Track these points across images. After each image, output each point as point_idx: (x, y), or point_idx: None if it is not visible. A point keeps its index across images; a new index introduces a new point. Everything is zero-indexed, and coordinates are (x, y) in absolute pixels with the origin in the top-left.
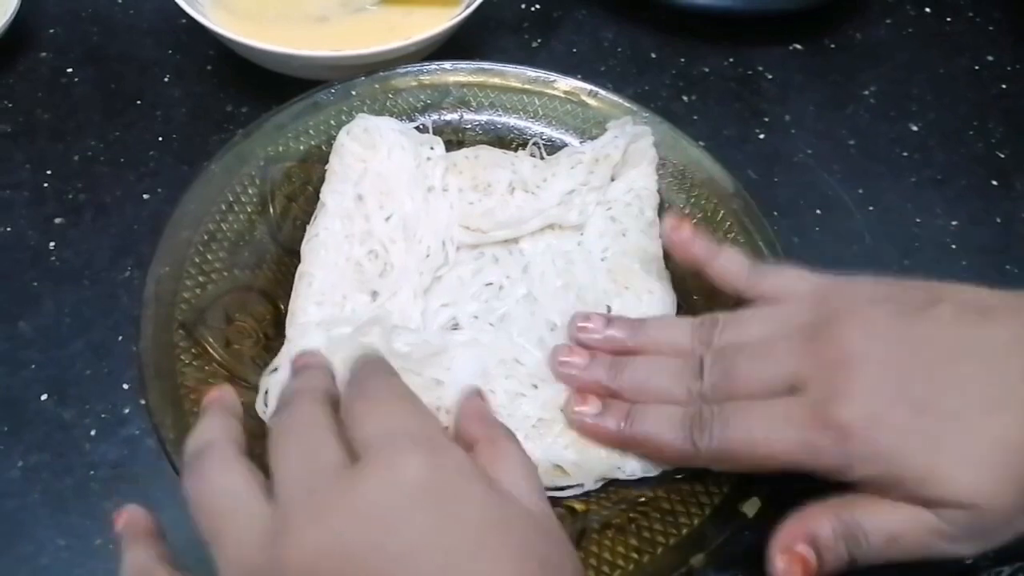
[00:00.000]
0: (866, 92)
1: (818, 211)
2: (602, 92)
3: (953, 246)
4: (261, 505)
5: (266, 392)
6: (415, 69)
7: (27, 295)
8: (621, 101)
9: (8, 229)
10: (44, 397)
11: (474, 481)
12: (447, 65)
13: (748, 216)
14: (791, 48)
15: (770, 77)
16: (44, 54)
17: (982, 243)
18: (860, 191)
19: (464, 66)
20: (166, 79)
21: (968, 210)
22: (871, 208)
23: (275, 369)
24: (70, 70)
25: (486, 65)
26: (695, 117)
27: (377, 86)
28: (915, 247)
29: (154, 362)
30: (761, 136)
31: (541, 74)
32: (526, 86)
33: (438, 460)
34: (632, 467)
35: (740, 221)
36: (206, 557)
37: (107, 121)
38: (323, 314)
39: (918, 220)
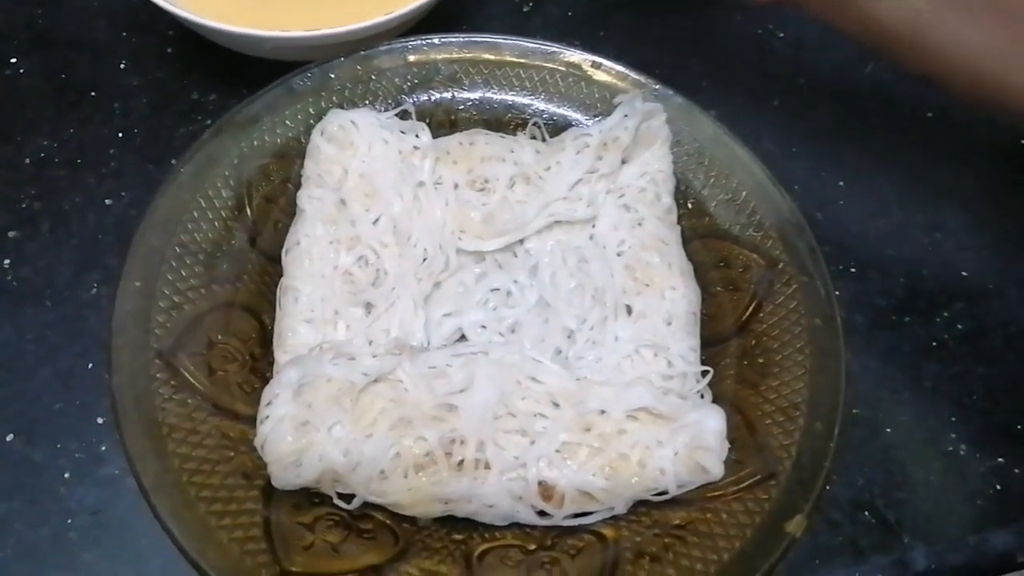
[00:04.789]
0: None
1: (840, 183)
2: (607, 63)
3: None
4: None
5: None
6: (399, 46)
7: None
8: (628, 73)
9: None
10: (10, 437)
11: None
12: (435, 40)
13: (773, 197)
14: None
15: (782, 36)
16: None
17: (1012, 213)
18: (885, 159)
19: (453, 40)
20: (122, 66)
21: (997, 179)
22: (897, 178)
23: (269, 403)
24: (14, 60)
25: (477, 38)
26: (704, 83)
27: (359, 67)
28: (946, 219)
29: (130, 399)
30: (776, 103)
31: (539, 45)
32: (523, 59)
33: None
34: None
35: (765, 201)
36: None
37: (59, 117)
38: (315, 333)
39: (949, 189)
